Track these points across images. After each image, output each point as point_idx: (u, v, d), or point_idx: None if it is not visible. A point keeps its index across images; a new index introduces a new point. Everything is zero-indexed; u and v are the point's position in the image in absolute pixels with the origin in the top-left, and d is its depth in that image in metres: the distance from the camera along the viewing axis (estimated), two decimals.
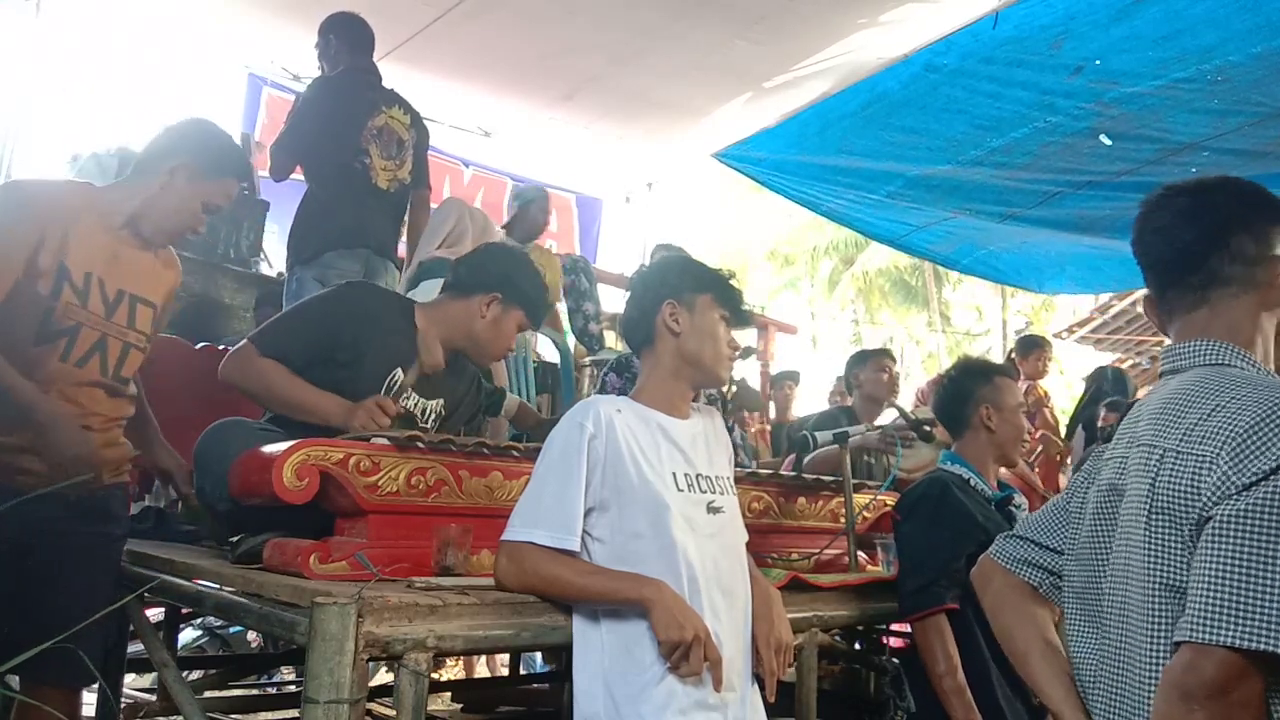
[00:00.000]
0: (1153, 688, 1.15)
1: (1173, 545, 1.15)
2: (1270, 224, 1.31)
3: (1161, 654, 1.15)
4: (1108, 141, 4.19)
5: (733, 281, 1.83)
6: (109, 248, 2.07)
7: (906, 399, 6.17)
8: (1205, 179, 1.37)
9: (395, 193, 3.58)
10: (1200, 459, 1.14)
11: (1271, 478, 1.07)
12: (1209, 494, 1.11)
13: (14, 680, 1.96)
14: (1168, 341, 1.37)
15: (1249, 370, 1.26)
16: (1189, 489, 1.14)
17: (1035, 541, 1.50)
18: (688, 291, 1.78)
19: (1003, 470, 2.65)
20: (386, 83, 3.70)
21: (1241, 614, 1.04)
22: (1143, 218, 1.38)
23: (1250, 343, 1.29)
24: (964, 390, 2.51)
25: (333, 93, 3.54)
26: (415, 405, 2.28)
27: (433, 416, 2.34)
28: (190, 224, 2.16)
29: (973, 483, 2.41)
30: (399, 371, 2.24)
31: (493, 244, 3.09)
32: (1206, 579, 1.08)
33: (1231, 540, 1.07)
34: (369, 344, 2.20)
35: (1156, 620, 1.16)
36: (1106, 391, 5.47)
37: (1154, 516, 1.18)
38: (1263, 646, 1.03)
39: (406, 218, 3.76)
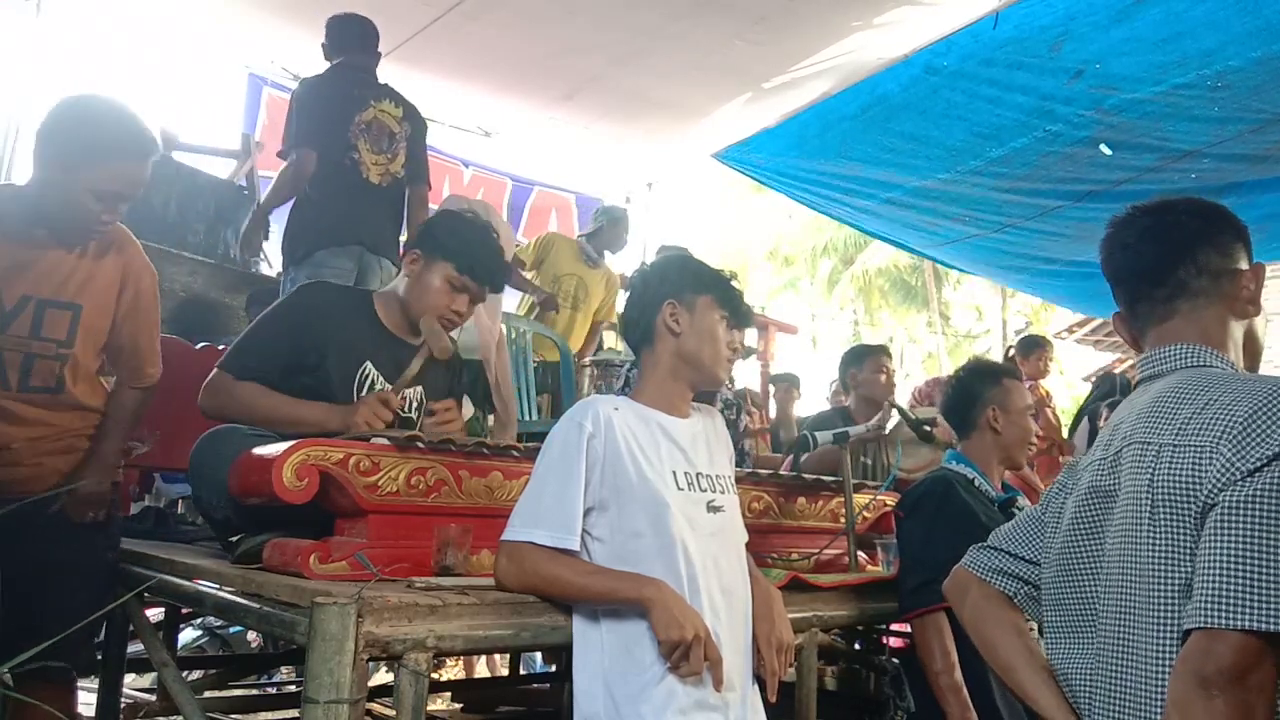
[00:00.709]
0: (1161, 685, 1.15)
1: (1179, 539, 1.16)
2: (1231, 239, 1.37)
3: (1171, 651, 1.15)
4: (1108, 151, 4.18)
5: (733, 283, 1.83)
6: (9, 254, 1.95)
7: (904, 398, 6.17)
8: (1168, 199, 1.43)
9: (390, 188, 3.55)
10: (1199, 450, 1.16)
11: (1276, 462, 1.09)
12: (1212, 482, 1.13)
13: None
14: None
15: (1229, 370, 1.31)
16: (1190, 479, 1.16)
17: (1009, 552, 1.51)
18: (688, 292, 1.77)
19: (1005, 472, 2.66)
20: (385, 82, 3.69)
21: (1256, 596, 1.05)
22: (1110, 237, 1.44)
23: (1223, 347, 1.34)
24: (972, 391, 2.53)
25: (317, 90, 3.52)
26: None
27: (414, 405, 2.29)
28: (87, 218, 1.94)
29: (976, 483, 2.42)
30: (369, 365, 2.20)
31: None
32: (1216, 563, 1.09)
33: (1240, 524, 1.09)
34: (333, 343, 2.16)
35: (1167, 619, 1.16)
36: (1111, 392, 5.48)
37: (1157, 511, 1.19)
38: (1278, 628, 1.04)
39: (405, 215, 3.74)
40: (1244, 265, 1.37)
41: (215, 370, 2.14)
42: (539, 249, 5.24)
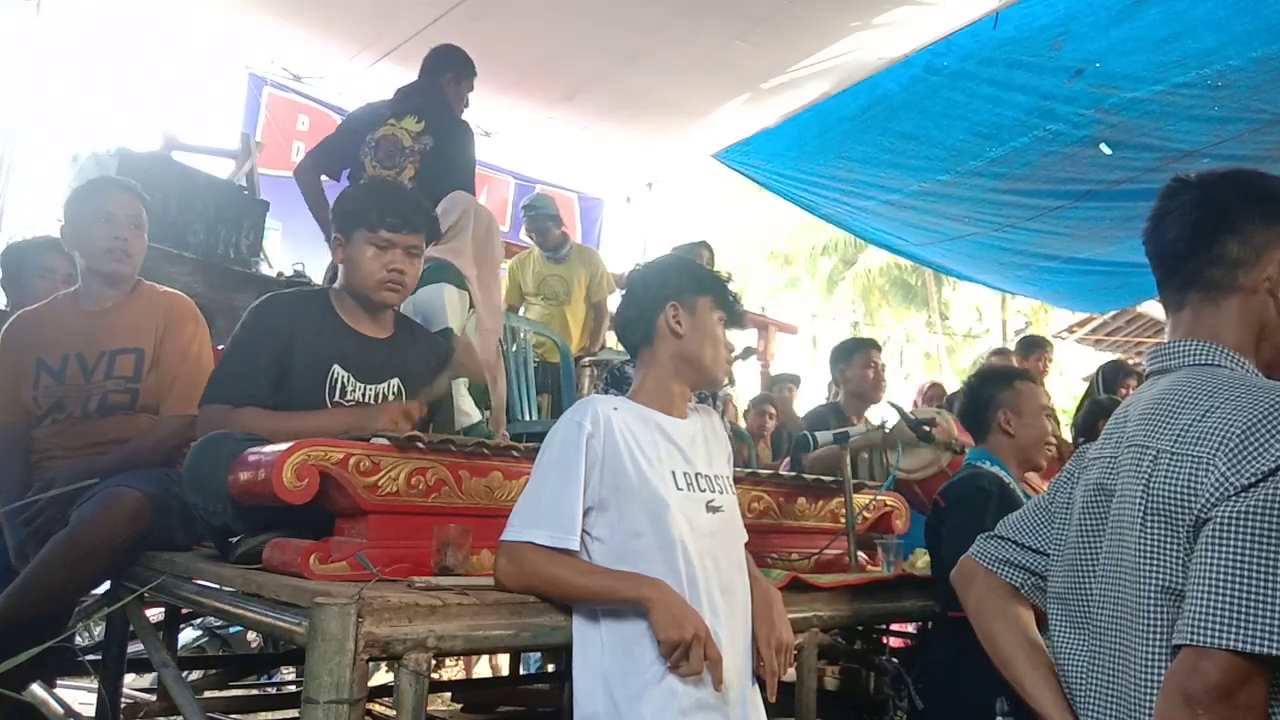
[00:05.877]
0: (1149, 691, 1.14)
1: (1169, 547, 1.14)
2: (1265, 225, 1.27)
3: (1158, 657, 1.14)
4: (1108, 151, 4.18)
5: (730, 283, 1.84)
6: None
7: (899, 396, 6.15)
8: (1213, 171, 1.33)
9: None
10: (1196, 460, 1.13)
11: (1271, 478, 1.06)
12: (1206, 495, 1.10)
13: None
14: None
15: (1238, 371, 1.24)
16: (1185, 490, 1.13)
17: (1016, 542, 1.48)
18: (689, 294, 1.78)
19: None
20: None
21: (1245, 616, 1.03)
22: (1153, 210, 1.35)
23: (1235, 345, 1.26)
24: (982, 396, 2.54)
25: (349, 118, 3.70)
26: (363, 395, 2.20)
27: (392, 400, 2.24)
28: (101, 240, 2.47)
29: (1010, 486, 2.40)
30: (336, 367, 2.17)
31: None
32: (1207, 581, 1.07)
33: (1232, 542, 1.06)
34: (297, 353, 2.14)
35: (1153, 623, 1.15)
36: (1091, 392, 5.47)
37: (1149, 518, 1.17)
38: (1266, 650, 1.02)
39: None
40: (1273, 253, 1.25)
41: (203, 407, 2.11)
42: (511, 282, 5.29)
